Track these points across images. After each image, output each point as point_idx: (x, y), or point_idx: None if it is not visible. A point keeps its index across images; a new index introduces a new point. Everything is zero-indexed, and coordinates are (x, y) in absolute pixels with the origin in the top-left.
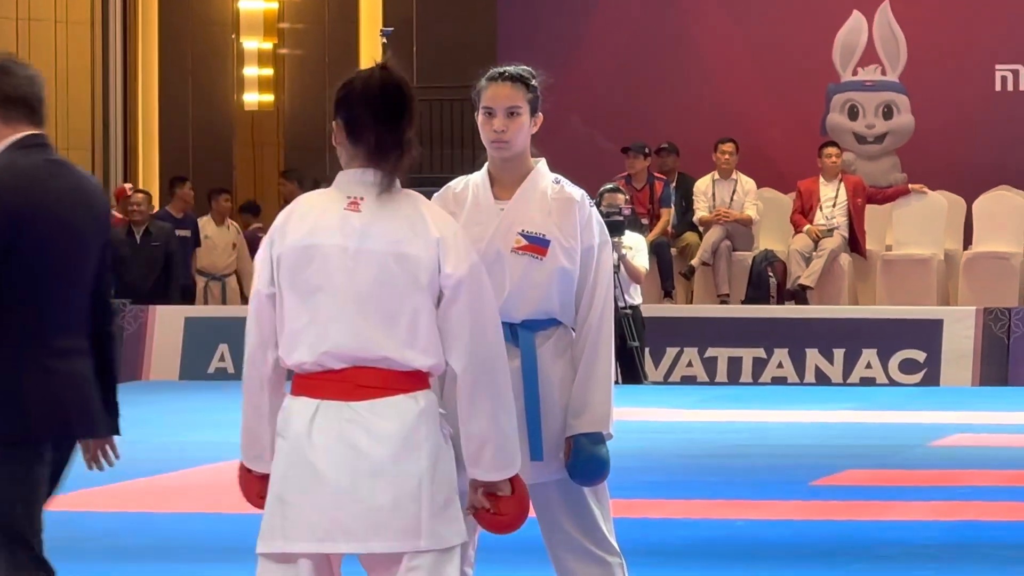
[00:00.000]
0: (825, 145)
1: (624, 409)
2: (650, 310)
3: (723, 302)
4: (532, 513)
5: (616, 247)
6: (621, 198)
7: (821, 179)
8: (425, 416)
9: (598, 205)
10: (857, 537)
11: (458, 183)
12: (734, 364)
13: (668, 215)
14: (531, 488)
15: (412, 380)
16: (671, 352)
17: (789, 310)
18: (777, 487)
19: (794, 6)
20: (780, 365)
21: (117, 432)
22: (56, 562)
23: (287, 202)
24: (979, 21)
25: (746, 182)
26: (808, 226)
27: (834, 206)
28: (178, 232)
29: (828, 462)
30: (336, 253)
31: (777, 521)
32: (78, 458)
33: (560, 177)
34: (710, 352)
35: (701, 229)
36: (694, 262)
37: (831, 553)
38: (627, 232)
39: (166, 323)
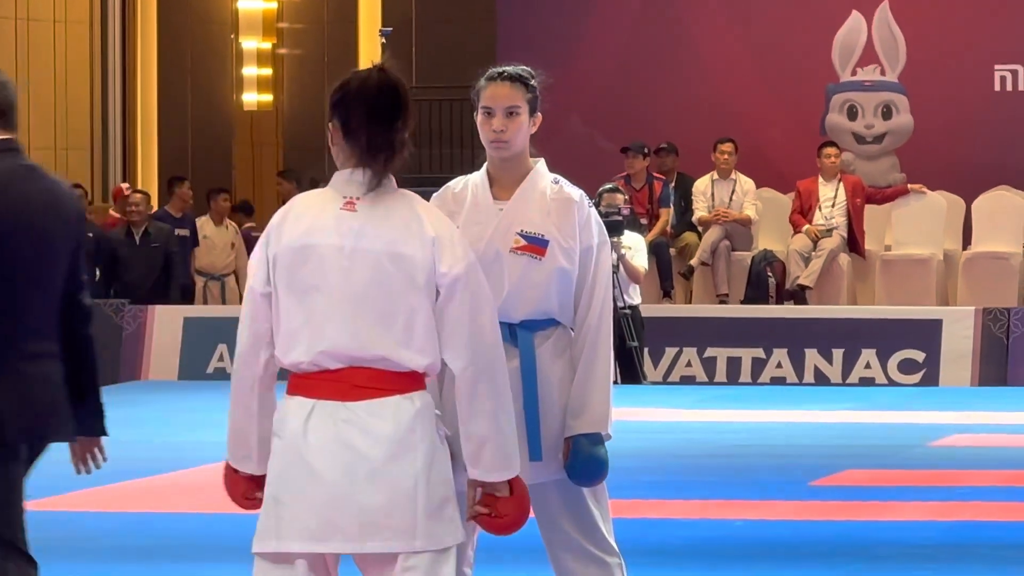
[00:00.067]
0: (824, 145)
1: (623, 409)
2: (649, 310)
3: (722, 302)
4: (531, 514)
5: (615, 247)
6: (620, 198)
7: (820, 179)
8: (421, 417)
9: (597, 205)
10: (856, 537)
11: (457, 183)
12: (733, 364)
13: (667, 215)
14: (530, 488)
15: (408, 381)
16: (670, 352)
17: (788, 310)
18: (776, 487)
19: (793, 6)
20: (779, 365)
21: (103, 433)
22: (56, 562)
23: (285, 202)
24: (978, 21)
25: (745, 182)
26: (807, 226)
27: (833, 206)
28: (177, 231)
29: (827, 462)
30: (332, 253)
31: (776, 521)
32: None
33: (559, 177)
34: (709, 352)
35: (700, 229)
36: (693, 262)
37: (830, 553)
38: (626, 232)
39: (165, 323)
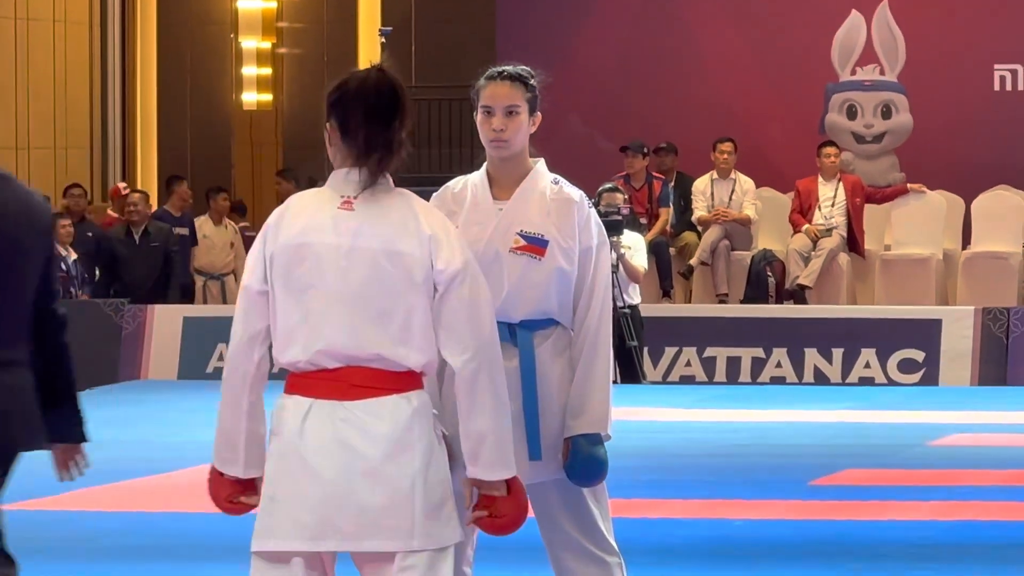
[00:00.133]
0: (824, 145)
1: (623, 409)
2: (649, 310)
3: (722, 302)
4: (531, 513)
5: (614, 246)
6: (620, 197)
7: (820, 179)
8: (418, 416)
9: (596, 204)
10: (856, 537)
11: (457, 183)
12: (733, 364)
13: (667, 214)
14: (530, 488)
15: (405, 380)
16: (670, 352)
17: (788, 310)
18: (776, 487)
19: (793, 6)
20: (779, 365)
21: (83, 439)
22: (56, 562)
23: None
24: (978, 21)
25: (745, 181)
26: (807, 226)
27: (833, 206)
28: (176, 231)
29: (827, 462)
30: (329, 252)
31: (776, 521)
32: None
33: (559, 177)
34: (709, 352)
35: (700, 228)
36: (693, 262)
37: (830, 553)
38: (626, 231)
39: (164, 322)
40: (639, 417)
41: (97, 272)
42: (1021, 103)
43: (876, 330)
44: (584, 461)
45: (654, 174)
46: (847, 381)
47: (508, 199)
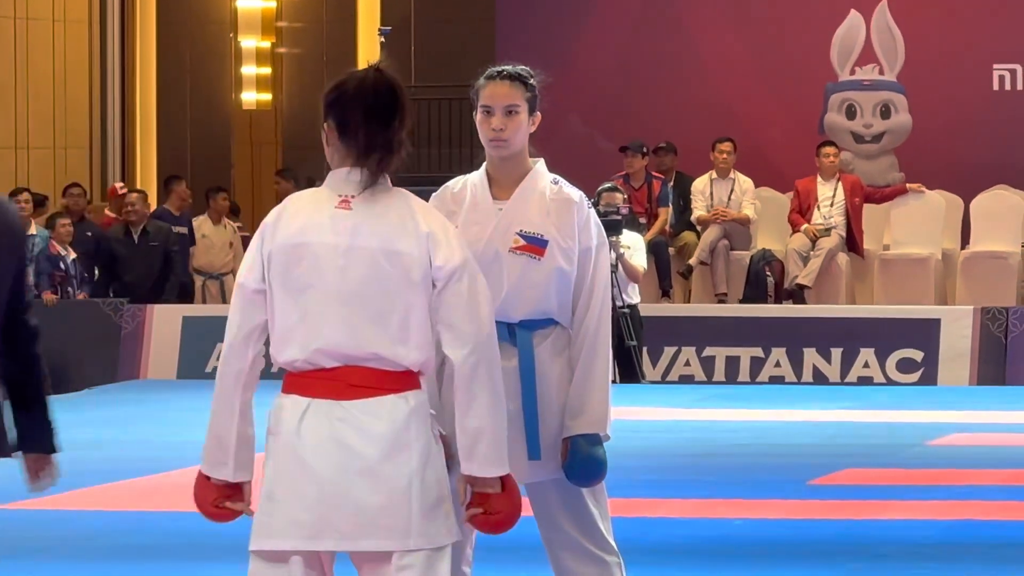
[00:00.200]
0: (823, 144)
1: (622, 408)
2: (648, 309)
3: (721, 301)
4: (530, 513)
5: (614, 246)
6: (619, 197)
7: (819, 178)
8: (415, 416)
9: (596, 204)
10: (855, 536)
11: (456, 183)
12: (732, 363)
13: (666, 214)
14: (529, 488)
15: (403, 380)
16: (669, 351)
17: (787, 309)
18: (775, 486)
19: (792, 6)
20: (778, 364)
21: (53, 450)
22: (56, 561)
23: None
24: (977, 20)
25: (744, 181)
26: (806, 225)
27: (832, 205)
28: (175, 230)
29: (826, 461)
30: (327, 251)
31: (775, 520)
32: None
33: (559, 178)
34: (708, 351)
35: (699, 228)
36: (692, 261)
37: (829, 552)
38: (625, 231)
39: (164, 322)
40: (638, 417)
41: (96, 272)
42: (1020, 103)
43: (875, 330)
44: (583, 461)
45: (653, 174)
46: (846, 381)
47: (508, 199)
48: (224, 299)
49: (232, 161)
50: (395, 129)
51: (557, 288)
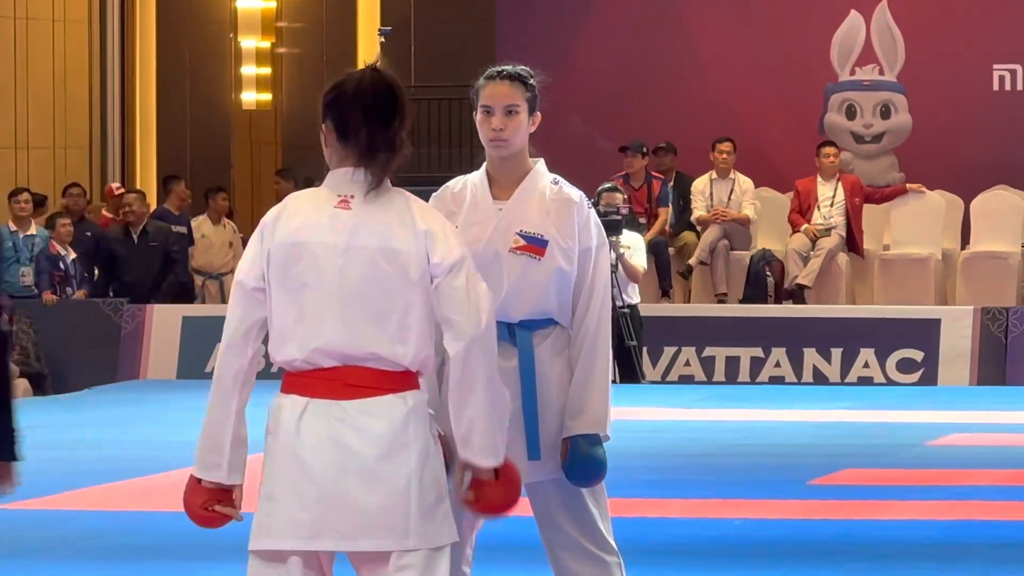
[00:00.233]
0: (823, 144)
1: (622, 408)
2: (648, 309)
3: (721, 301)
4: (529, 512)
5: (614, 246)
6: (619, 197)
7: (819, 178)
8: (414, 416)
9: (596, 204)
10: (855, 536)
11: (456, 183)
12: (732, 363)
13: (666, 214)
14: (529, 488)
15: (402, 380)
16: (669, 351)
17: (787, 309)
18: (775, 486)
19: (792, 6)
20: (778, 364)
21: (13, 458)
22: (56, 561)
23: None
24: (977, 21)
25: (744, 181)
26: (806, 225)
27: (832, 205)
28: (175, 228)
29: (826, 461)
30: (325, 251)
31: (775, 520)
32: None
33: (559, 178)
34: (708, 351)
35: (699, 228)
36: (692, 261)
37: (829, 552)
38: (625, 231)
39: (163, 322)
40: (638, 417)
41: (96, 272)
42: (1020, 103)
43: (875, 330)
44: (583, 461)
45: (653, 174)
46: (846, 381)
47: (508, 199)
48: (224, 299)
49: (232, 161)
50: (396, 129)
51: (557, 288)
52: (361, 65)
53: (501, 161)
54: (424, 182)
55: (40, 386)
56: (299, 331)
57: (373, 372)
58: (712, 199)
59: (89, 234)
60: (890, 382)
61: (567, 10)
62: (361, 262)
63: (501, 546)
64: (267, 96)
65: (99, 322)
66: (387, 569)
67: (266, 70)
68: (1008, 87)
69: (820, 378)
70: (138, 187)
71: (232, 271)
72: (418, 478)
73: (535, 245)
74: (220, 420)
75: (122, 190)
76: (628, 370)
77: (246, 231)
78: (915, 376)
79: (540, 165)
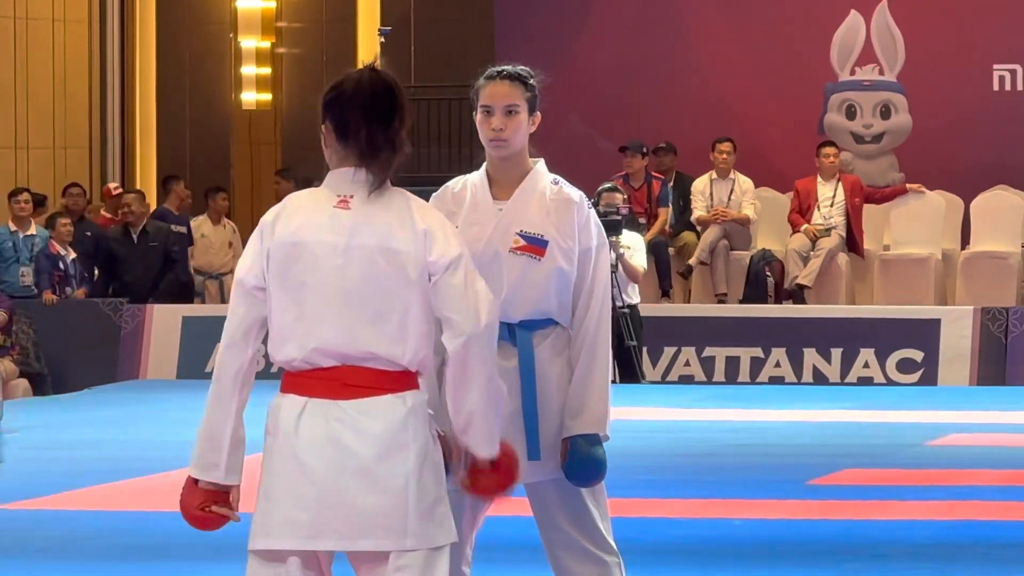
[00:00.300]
0: (823, 145)
1: (621, 408)
2: (648, 309)
3: (721, 301)
4: (530, 512)
5: (614, 246)
6: (619, 197)
7: (819, 179)
8: (413, 416)
9: (596, 204)
10: (854, 536)
11: (456, 183)
12: (732, 363)
13: (666, 214)
14: (528, 488)
15: (401, 380)
16: (669, 351)
17: (787, 310)
18: (774, 486)
19: (792, 6)
20: (778, 364)
21: None
22: (56, 561)
23: None
24: (977, 21)
25: (744, 181)
26: (806, 225)
27: (832, 206)
28: (174, 228)
29: (825, 461)
30: (324, 250)
31: (774, 520)
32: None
33: (559, 178)
34: (708, 351)
35: (699, 228)
36: (692, 261)
37: (828, 552)
38: (625, 231)
39: (163, 322)
40: (638, 417)
41: (96, 272)
42: (1020, 103)
43: (875, 330)
44: (582, 461)
45: (653, 174)
46: (846, 381)
47: (508, 199)
48: (223, 299)
49: (232, 161)
50: (395, 128)
51: (557, 288)
52: (361, 65)
53: (501, 161)
54: (424, 182)
55: (40, 386)
56: (298, 331)
57: (372, 372)
58: (712, 199)
59: (89, 234)
60: (890, 382)
61: (566, 10)
62: (360, 262)
63: (501, 546)
64: (267, 96)
65: (99, 322)
66: (386, 569)
67: (266, 70)
68: (1008, 87)
69: (820, 378)
70: (138, 187)
71: (232, 271)
72: (416, 478)
73: (535, 245)
74: (219, 419)
75: (120, 190)
76: (628, 370)
77: (246, 231)
78: (915, 376)
79: (540, 165)
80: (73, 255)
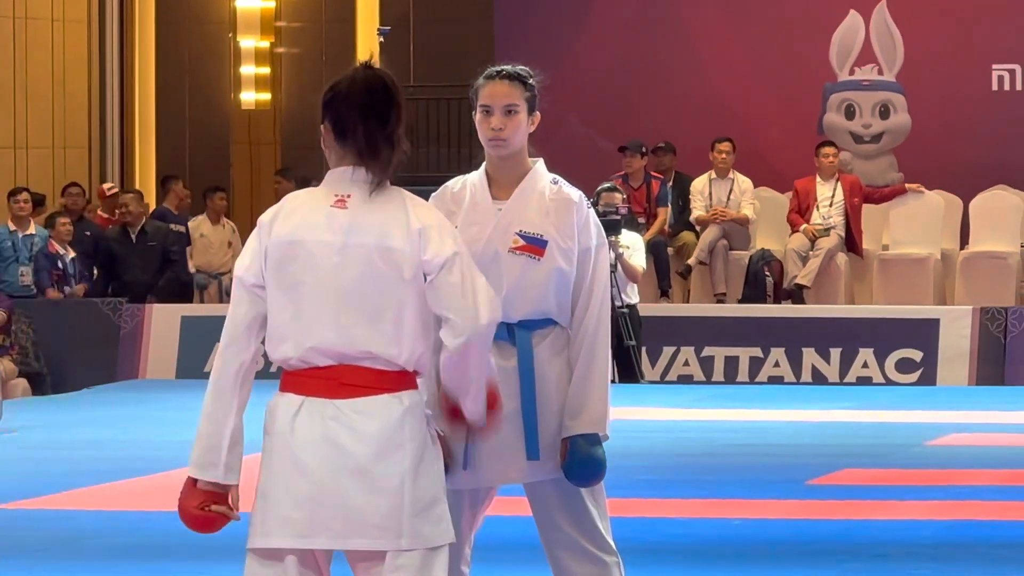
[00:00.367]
0: (822, 144)
1: (621, 408)
2: (647, 309)
3: (720, 301)
4: (529, 512)
5: (613, 246)
6: (618, 197)
7: (818, 178)
8: (410, 416)
9: (595, 204)
10: (853, 536)
11: (456, 183)
12: (731, 363)
13: (665, 214)
14: (528, 487)
15: (398, 380)
16: (668, 351)
17: (786, 309)
18: (773, 486)
19: (791, 6)
20: (777, 364)
21: None
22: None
23: None
24: (976, 20)
25: (743, 181)
26: (805, 225)
27: (831, 205)
28: (174, 227)
29: (824, 461)
30: (321, 249)
31: (773, 520)
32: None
33: (558, 178)
34: (707, 351)
35: (698, 228)
36: (691, 261)
37: (827, 552)
38: (624, 231)
39: (163, 322)
40: (637, 416)
41: (95, 271)
42: (1019, 103)
43: (874, 330)
44: (582, 461)
45: (652, 174)
46: (845, 381)
47: (507, 199)
48: (222, 299)
49: (231, 161)
50: (392, 125)
51: (556, 288)
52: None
53: (500, 161)
54: (424, 182)
55: (39, 386)
56: (295, 329)
57: (369, 371)
58: (711, 199)
59: (88, 234)
60: (889, 382)
61: (566, 10)
62: (357, 261)
63: (500, 546)
64: (266, 96)
65: (98, 322)
66: (383, 569)
67: (265, 70)
68: (1007, 87)
69: (819, 378)
70: (137, 187)
71: (231, 271)
72: (412, 478)
73: (534, 245)
74: (220, 418)
75: (115, 190)
76: (627, 370)
77: (245, 231)
78: (914, 376)
79: (539, 165)
80: (72, 255)
